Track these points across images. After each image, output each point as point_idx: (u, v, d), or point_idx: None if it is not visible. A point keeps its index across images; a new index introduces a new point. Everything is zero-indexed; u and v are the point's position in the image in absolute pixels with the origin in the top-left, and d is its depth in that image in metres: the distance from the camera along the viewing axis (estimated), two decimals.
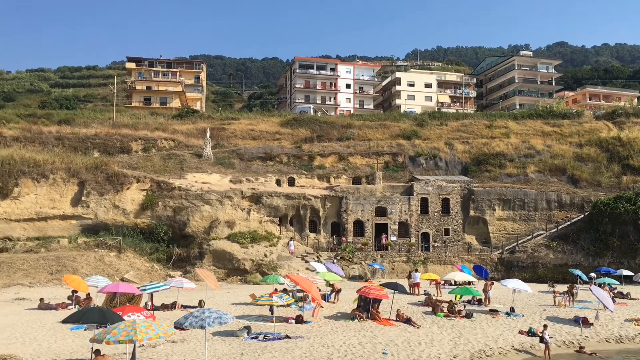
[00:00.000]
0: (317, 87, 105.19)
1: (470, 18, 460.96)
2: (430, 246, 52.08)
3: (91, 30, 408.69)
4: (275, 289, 32.43)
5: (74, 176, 47.04)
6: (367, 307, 27.60)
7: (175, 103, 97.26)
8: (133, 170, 50.92)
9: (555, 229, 52.07)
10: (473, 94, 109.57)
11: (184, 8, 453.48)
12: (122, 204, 46.92)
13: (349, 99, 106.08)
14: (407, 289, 35.05)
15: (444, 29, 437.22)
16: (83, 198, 46.29)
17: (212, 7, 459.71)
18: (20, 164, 46.19)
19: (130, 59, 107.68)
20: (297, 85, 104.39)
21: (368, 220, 51.86)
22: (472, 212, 53.67)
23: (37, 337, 21.39)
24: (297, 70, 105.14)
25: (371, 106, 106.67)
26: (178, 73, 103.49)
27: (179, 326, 18.33)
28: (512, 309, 30.50)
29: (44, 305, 28.62)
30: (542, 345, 23.04)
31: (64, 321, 19.11)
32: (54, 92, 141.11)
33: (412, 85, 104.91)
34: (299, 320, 25.89)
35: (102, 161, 50.04)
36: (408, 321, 26.52)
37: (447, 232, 53.10)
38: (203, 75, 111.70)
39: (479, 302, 32.96)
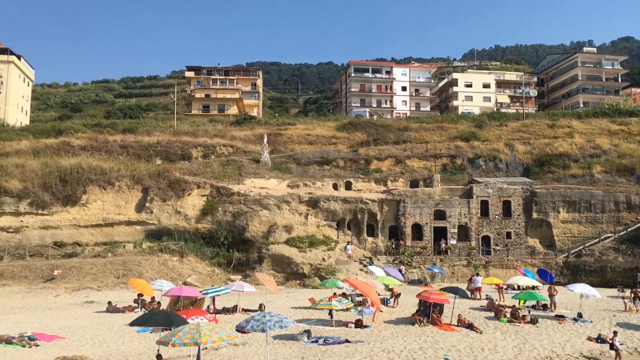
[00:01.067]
0: (373, 91, 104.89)
1: (530, 15, 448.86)
2: (492, 250, 50.92)
3: (152, 42, 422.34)
4: (334, 293, 32.48)
5: (138, 183, 48.63)
6: (427, 311, 27.25)
7: (233, 110, 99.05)
8: (193, 176, 52.19)
9: (625, 231, 49.91)
10: (534, 93, 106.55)
11: (240, 17, 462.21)
12: (183, 209, 48.14)
13: (405, 101, 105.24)
14: (468, 293, 34.39)
15: (502, 27, 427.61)
16: (147, 204, 47.78)
17: (267, 14, 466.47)
18: (88, 172, 48.14)
19: (189, 68, 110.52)
20: (352, 89, 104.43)
21: (426, 223, 51.22)
22: (535, 215, 52.16)
23: (106, 339, 22.18)
24: (352, 74, 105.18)
25: (428, 108, 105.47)
26: (235, 80, 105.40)
27: (240, 329, 18.61)
28: (580, 315, 29.40)
29: (111, 308, 29.65)
30: (613, 353, 22.09)
31: (131, 324, 19.76)
32: (118, 102, 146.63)
33: (469, 86, 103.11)
34: (359, 324, 25.81)
35: (164, 168, 51.53)
36: (470, 326, 26.00)
37: (508, 235, 51.79)
38: (259, 82, 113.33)
39: (544, 307, 31.97)
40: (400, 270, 42.50)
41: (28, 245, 44.20)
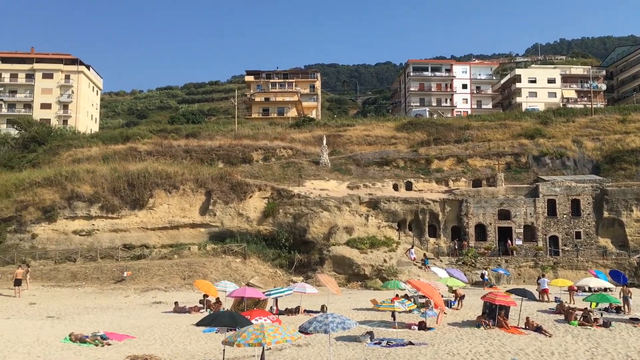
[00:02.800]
0: (432, 89, 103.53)
1: (596, 6, 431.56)
2: (560, 250, 49.22)
3: (213, 48, 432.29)
4: (397, 295, 32.19)
5: (201, 186, 49.82)
6: (492, 314, 26.57)
7: (292, 112, 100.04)
8: (254, 179, 52.95)
9: None
10: (602, 87, 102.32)
11: (297, 21, 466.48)
12: (245, 211, 48.94)
13: (466, 99, 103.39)
14: (536, 295, 33.34)
15: (567, 20, 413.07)
16: (210, 207, 48.86)
17: (324, 17, 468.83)
18: (154, 177, 49.70)
19: (249, 73, 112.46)
20: (411, 89, 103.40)
21: (490, 223, 50.03)
22: (606, 214, 50.04)
23: (174, 339, 22.78)
24: (411, 74, 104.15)
25: (489, 106, 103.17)
26: (294, 83, 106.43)
27: (303, 330, 18.70)
28: None
29: (178, 309, 30.43)
30: None
31: (198, 324, 20.20)
32: (182, 107, 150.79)
33: (533, 81, 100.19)
34: (422, 326, 25.47)
35: (226, 171, 52.55)
36: (538, 329, 25.17)
37: (577, 235, 49.91)
38: (318, 84, 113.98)
39: (617, 310, 30.59)
40: (482, 276, 41.97)
41: (99, 248, 46.05)
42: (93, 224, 47.65)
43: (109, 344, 21.33)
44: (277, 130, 70.58)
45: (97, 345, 21.05)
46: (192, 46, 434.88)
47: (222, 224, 48.52)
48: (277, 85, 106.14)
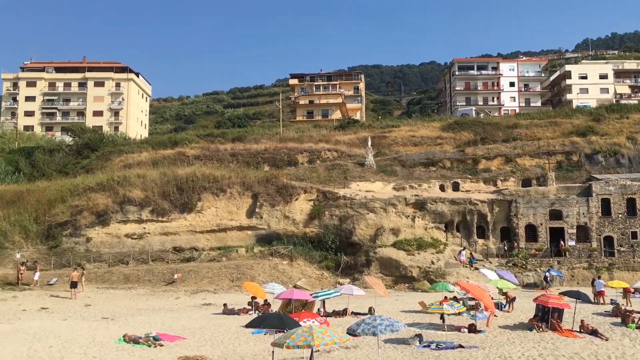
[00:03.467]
0: (478, 88, 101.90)
1: None
2: (615, 251, 47.58)
3: (257, 52, 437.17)
4: (445, 297, 31.77)
5: (248, 189, 50.41)
6: (545, 316, 25.91)
7: (336, 114, 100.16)
8: (300, 181, 53.23)
9: None
10: None
11: (340, 22, 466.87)
12: (291, 214, 49.22)
13: (514, 97, 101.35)
14: (591, 297, 32.33)
15: (619, 13, 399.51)
16: (257, 210, 49.36)
17: (367, 18, 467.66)
18: (202, 180, 50.59)
19: (293, 76, 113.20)
20: (456, 88, 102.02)
21: (541, 224, 48.81)
22: None
23: (224, 340, 23.10)
24: (456, 73, 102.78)
25: (538, 103, 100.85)
26: (338, 85, 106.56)
27: (351, 332, 18.67)
28: None
29: (227, 310, 30.85)
30: None
31: (247, 325, 20.45)
32: (227, 112, 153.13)
33: (584, 77, 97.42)
34: (472, 329, 25.05)
35: (272, 174, 53.01)
36: (594, 333, 24.40)
37: (634, 235, 48.15)
38: (362, 86, 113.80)
39: None
40: (546, 278, 41.13)
41: (150, 251, 47.16)
42: (144, 228, 48.82)
43: (161, 345, 21.80)
44: (322, 133, 70.69)
45: (149, 346, 21.55)
46: (237, 51, 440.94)
47: (269, 226, 48.94)
48: (321, 87, 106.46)
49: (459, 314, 28.16)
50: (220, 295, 38.20)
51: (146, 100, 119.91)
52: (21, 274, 40.65)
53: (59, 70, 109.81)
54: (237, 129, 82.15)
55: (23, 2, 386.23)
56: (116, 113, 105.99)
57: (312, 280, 43.03)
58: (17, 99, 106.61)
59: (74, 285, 37.04)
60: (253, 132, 75.31)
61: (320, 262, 46.17)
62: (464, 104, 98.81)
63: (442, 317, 25.92)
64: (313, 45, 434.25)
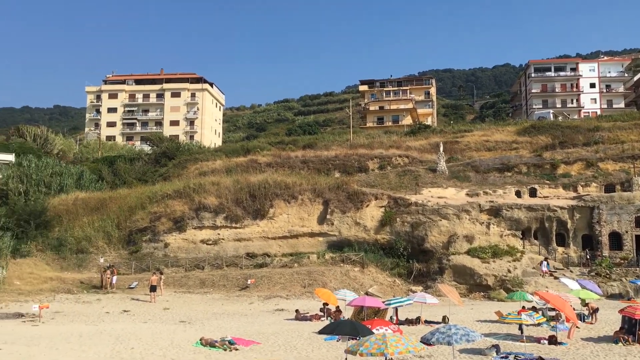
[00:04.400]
0: (556, 90, 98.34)
1: None
2: None
3: (327, 59, 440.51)
4: (523, 307, 30.71)
5: (319, 196, 50.75)
6: (632, 329, 24.53)
7: (407, 120, 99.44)
8: (371, 188, 53.07)
9: None
10: None
11: (410, 27, 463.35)
12: (362, 220, 49.12)
13: (594, 99, 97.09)
14: None
15: None
16: (327, 216, 49.59)
17: (438, 22, 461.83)
18: (274, 187, 51.40)
19: (363, 82, 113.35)
20: (533, 91, 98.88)
21: (627, 231, 46.34)
22: None
23: (297, 346, 23.30)
24: (532, 75, 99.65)
25: (622, 105, 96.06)
26: (408, 91, 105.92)
27: (425, 341, 18.37)
28: None
29: (299, 316, 31.10)
30: None
31: (319, 332, 20.53)
32: (298, 119, 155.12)
33: None
34: (552, 341, 24.06)
35: (343, 181, 53.15)
36: None
37: None
38: (433, 90, 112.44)
39: None
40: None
41: (224, 256, 48.30)
42: (218, 234, 50.08)
43: (237, 349, 22.26)
44: (393, 139, 70.37)
45: (225, 350, 22.05)
46: (306, 59, 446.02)
47: (340, 232, 49.03)
48: (392, 93, 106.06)
49: (539, 324, 27.11)
50: (293, 301, 38.57)
51: (220, 109, 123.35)
52: (108, 278, 42.53)
53: (138, 82, 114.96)
54: (307, 136, 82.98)
55: (105, 19, 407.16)
56: (191, 122, 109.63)
57: (384, 288, 42.72)
58: (100, 110, 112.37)
59: (153, 289, 38.50)
60: (323, 139, 75.82)
61: (391, 269, 45.78)
62: (541, 106, 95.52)
63: (520, 328, 25.08)
64: (383, 52, 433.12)
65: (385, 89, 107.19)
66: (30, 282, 42.07)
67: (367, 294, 39.09)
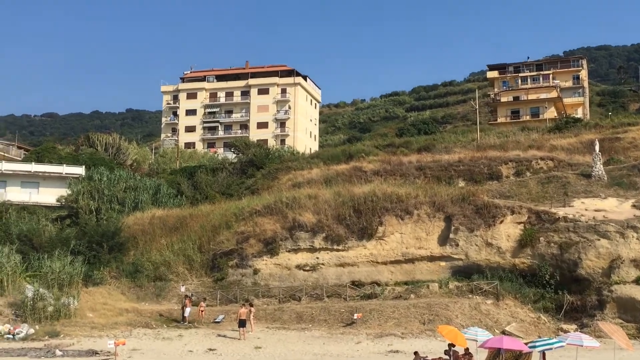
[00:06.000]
0: None
1: None
2: None
3: (444, 44, 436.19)
4: None
5: (439, 210, 50.14)
6: None
7: (550, 113, 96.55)
8: (505, 199, 51.85)
9: None
10: None
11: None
12: (495, 240, 47.96)
13: None
14: None
15: None
16: (451, 235, 48.87)
17: None
18: (383, 200, 51.32)
19: (491, 67, 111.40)
20: None
21: None
22: None
23: None
24: None
25: None
26: (551, 75, 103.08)
27: None
28: None
29: None
30: None
31: None
32: (410, 116, 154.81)
33: None
34: None
35: (469, 191, 52.19)
36: None
37: None
38: (584, 74, 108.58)
39: None
40: None
41: (325, 285, 48.76)
42: (317, 258, 50.73)
43: None
44: (532, 137, 68.93)
45: None
46: (419, 44, 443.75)
47: (467, 256, 48.14)
48: (529, 79, 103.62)
49: None
50: (409, 340, 38.30)
51: (315, 107, 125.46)
52: (202, 310, 44.28)
53: (220, 78, 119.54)
54: (423, 136, 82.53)
55: (181, 8, 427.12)
56: (282, 124, 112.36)
57: (526, 325, 41.52)
58: (178, 113, 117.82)
59: (242, 324, 39.56)
60: (443, 139, 75.19)
61: (535, 302, 44.39)
62: None
63: None
64: (515, 27, 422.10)
65: (520, 74, 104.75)
66: (104, 314, 44.63)
67: (504, 333, 38.23)
